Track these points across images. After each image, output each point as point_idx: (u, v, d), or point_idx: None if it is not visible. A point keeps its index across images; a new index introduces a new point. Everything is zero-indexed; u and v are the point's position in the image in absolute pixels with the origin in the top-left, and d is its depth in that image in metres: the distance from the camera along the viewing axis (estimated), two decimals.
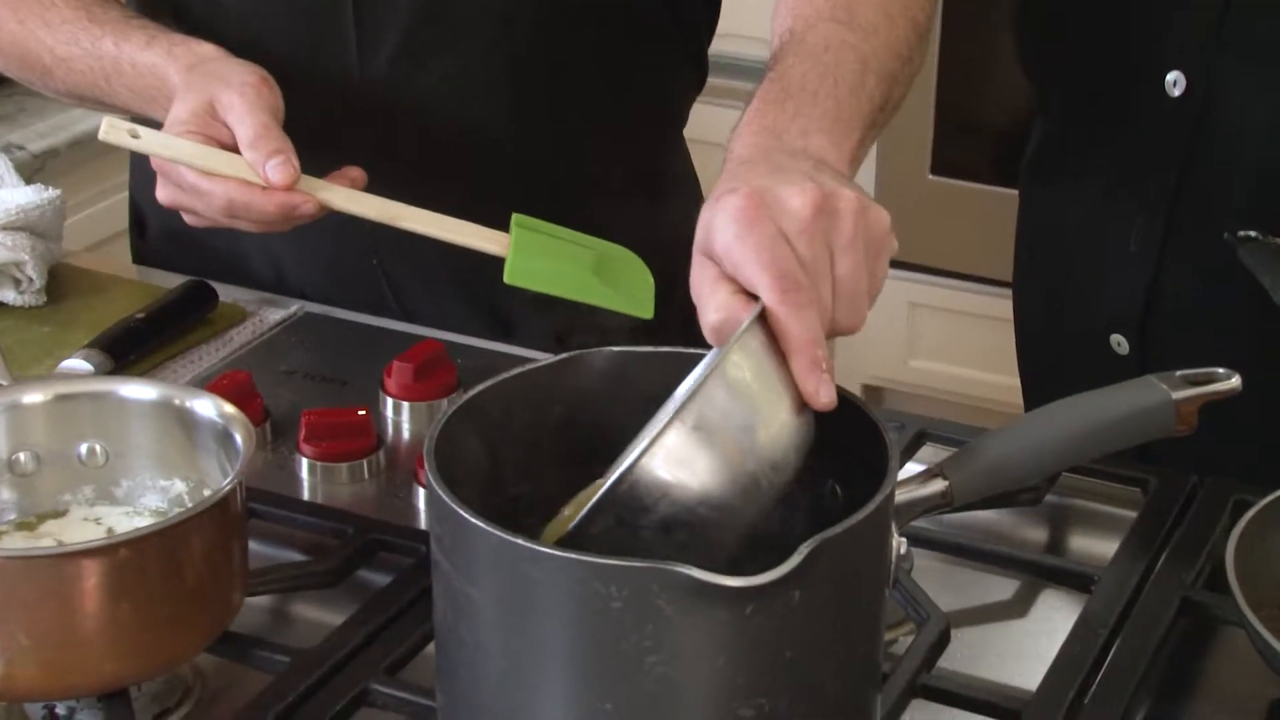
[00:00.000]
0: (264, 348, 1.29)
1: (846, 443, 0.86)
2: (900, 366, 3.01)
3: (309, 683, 0.91)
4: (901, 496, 0.86)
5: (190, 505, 0.99)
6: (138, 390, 1.00)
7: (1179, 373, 0.91)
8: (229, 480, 0.91)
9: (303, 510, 1.07)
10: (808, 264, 0.83)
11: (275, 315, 1.33)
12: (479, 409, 0.86)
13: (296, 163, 1.09)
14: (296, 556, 1.06)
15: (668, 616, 0.74)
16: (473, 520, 0.76)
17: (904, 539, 0.84)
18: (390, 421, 1.20)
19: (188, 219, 1.15)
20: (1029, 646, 1.02)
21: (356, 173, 1.14)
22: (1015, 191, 1.42)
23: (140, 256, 1.46)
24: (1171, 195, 1.23)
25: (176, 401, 0.99)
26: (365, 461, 1.13)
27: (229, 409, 0.97)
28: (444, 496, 0.78)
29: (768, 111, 0.95)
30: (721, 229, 0.84)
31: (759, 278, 0.82)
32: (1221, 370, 0.91)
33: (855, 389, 3.15)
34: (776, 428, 0.81)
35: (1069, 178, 1.33)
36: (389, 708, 0.91)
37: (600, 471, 0.86)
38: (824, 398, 0.81)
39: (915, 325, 2.97)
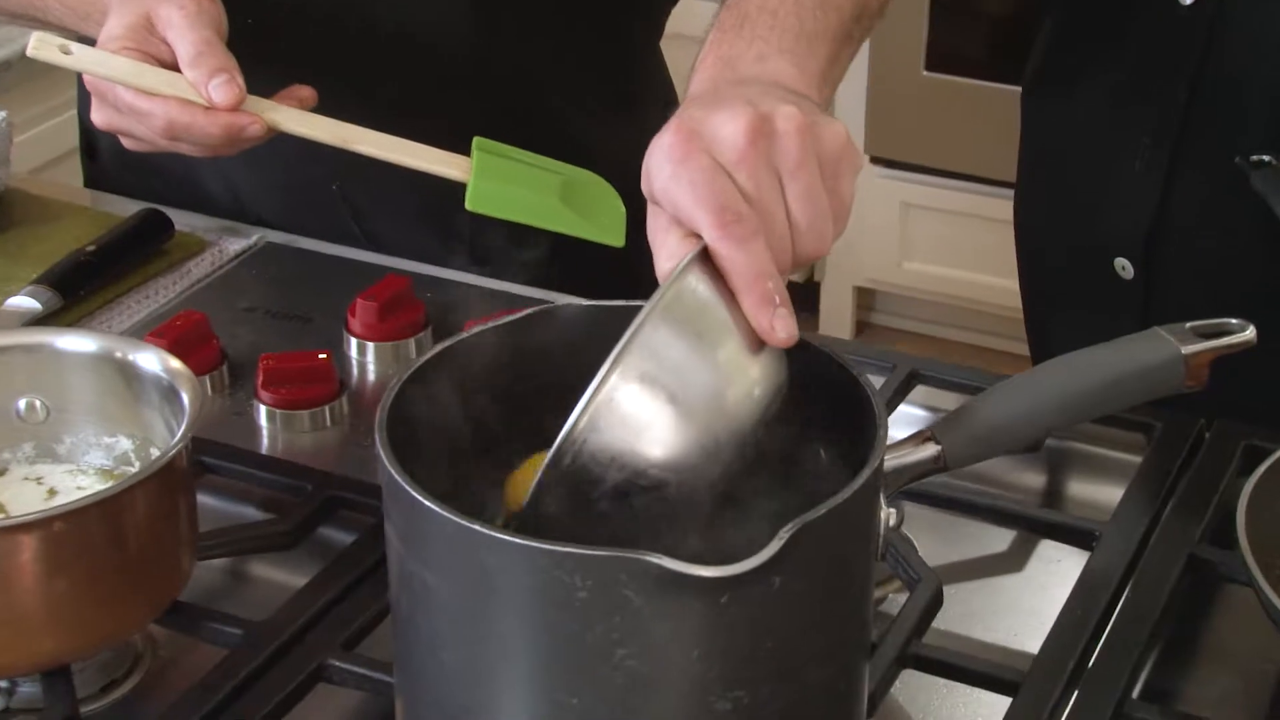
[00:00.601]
0: (222, 282, 1.23)
1: (831, 403, 0.80)
2: (893, 269, 2.95)
3: (261, 659, 0.86)
4: (890, 462, 0.81)
5: (136, 464, 0.94)
6: (76, 342, 0.94)
7: (1188, 325, 0.85)
8: (173, 445, 0.85)
9: (258, 465, 1.01)
10: (751, 193, 0.76)
11: (235, 246, 1.27)
12: (436, 372, 0.80)
13: (241, 82, 1.02)
14: (252, 513, 1.01)
15: (637, 607, 0.69)
16: (427, 504, 0.70)
17: (893, 509, 0.78)
18: (354, 362, 1.14)
19: (126, 143, 1.08)
20: (1026, 602, 0.97)
21: (306, 92, 1.06)
22: (1013, 88, 1.35)
23: (92, 180, 1.39)
24: (1181, 114, 1.16)
25: (118, 354, 0.93)
26: (327, 408, 1.08)
27: (174, 364, 0.91)
28: (396, 475, 0.72)
29: (724, 41, 0.88)
30: (657, 170, 0.78)
31: (695, 214, 0.75)
32: (1234, 321, 0.85)
33: (847, 292, 3.10)
34: (730, 375, 0.75)
35: (1073, 94, 1.26)
36: (348, 684, 0.86)
37: None
38: (780, 333, 0.74)
39: (908, 226, 2.91)
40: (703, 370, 0.74)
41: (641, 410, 0.72)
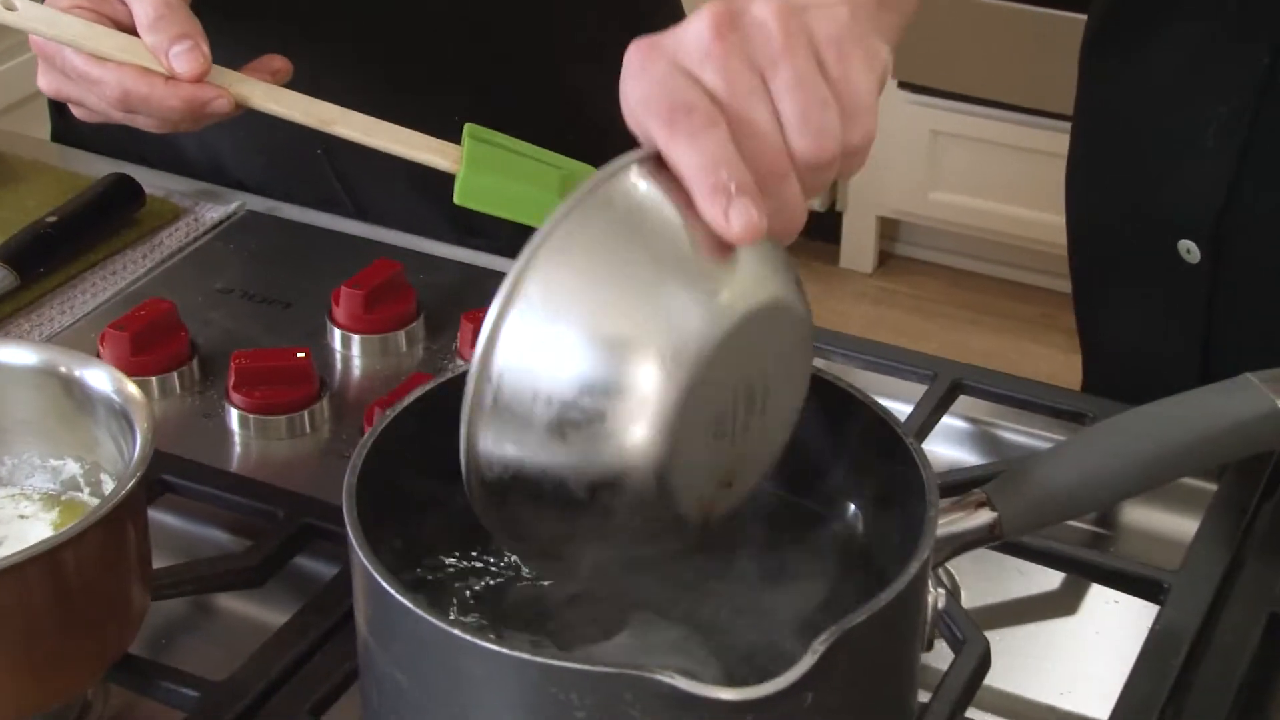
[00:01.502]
0: (196, 257, 1.12)
1: (869, 457, 0.70)
2: (919, 199, 2.83)
3: None
4: (939, 529, 0.70)
5: (85, 489, 0.84)
6: (15, 354, 0.83)
7: None
8: (119, 490, 0.75)
9: (226, 486, 0.90)
10: (721, 92, 0.65)
11: (212, 214, 1.16)
12: (413, 423, 0.69)
13: (207, 50, 0.90)
14: (219, 536, 0.90)
15: None
16: (401, 600, 0.60)
17: (942, 590, 0.68)
18: (338, 355, 1.03)
19: (77, 112, 0.96)
20: (1081, 657, 0.86)
21: (280, 63, 0.94)
22: (1050, 11, 1.22)
23: (60, 135, 1.27)
24: (1262, 80, 1.04)
25: (63, 369, 0.82)
26: (306, 413, 0.97)
27: (129, 388, 0.80)
28: (365, 563, 0.61)
29: None
30: (622, 90, 0.67)
31: (647, 121, 0.65)
32: None
33: (870, 222, 2.99)
34: (672, 285, 0.63)
35: (1139, 54, 1.13)
36: None
37: None
38: (736, 225, 0.63)
39: (936, 155, 2.78)
40: (630, 281, 0.62)
41: (548, 330, 0.62)
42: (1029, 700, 0.85)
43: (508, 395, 0.62)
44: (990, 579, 0.90)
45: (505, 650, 0.58)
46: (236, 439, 0.97)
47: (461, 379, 0.65)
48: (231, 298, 1.07)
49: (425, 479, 0.69)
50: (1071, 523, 0.93)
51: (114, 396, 0.80)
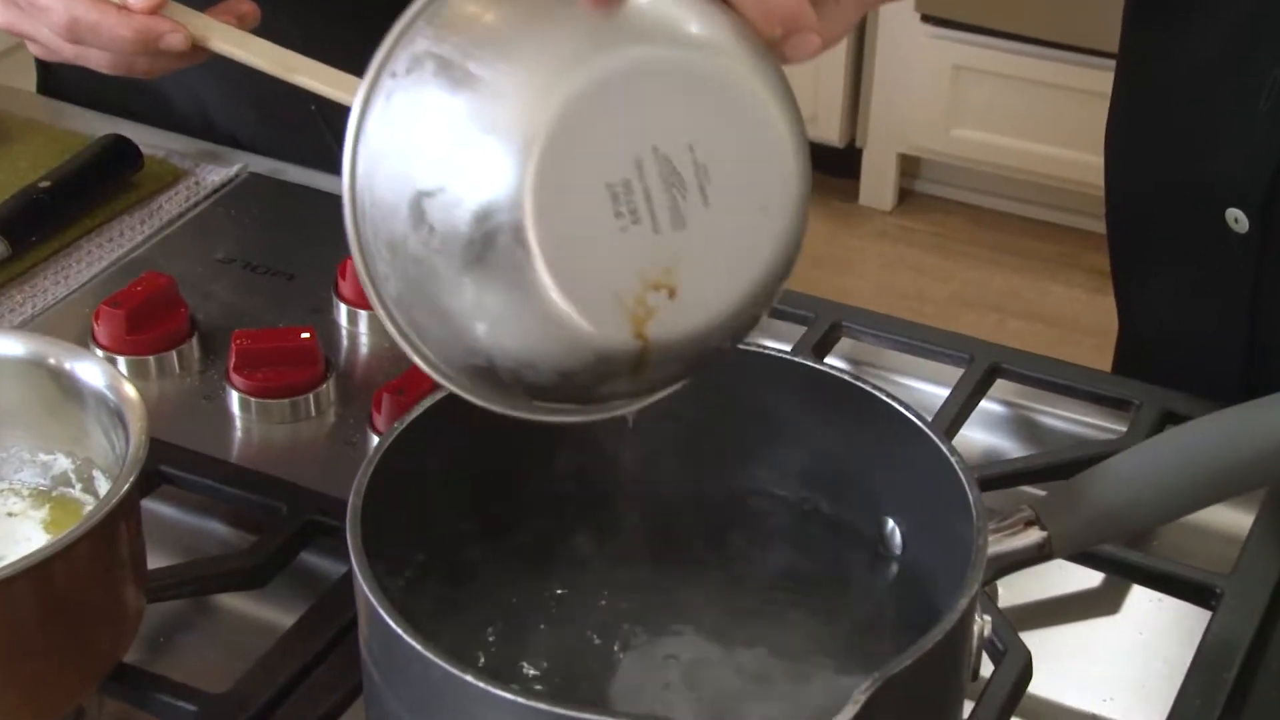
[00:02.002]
0: (196, 225, 1.07)
1: (909, 470, 0.65)
2: (941, 136, 2.77)
3: None
4: (989, 550, 0.65)
5: (77, 485, 0.79)
6: (2, 344, 0.78)
7: None
8: (112, 497, 0.70)
9: (225, 478, 0.86)
10: None
11: (213, 177, 1.10)
12: (416, 439, 0.65)
13: None
14: (218, 529, 0.86)
15: None
16: (412, 643, 0.55)
17: (988, 618, 0.63)
18: (344, 333, 0.98)
19: (32, 49, 0.90)
20: (1126, 662, 0.82)
21: (247, 7, 0.88)
22: None
23: (46, 87, 1.22)
24: None
25: (52, 361, 0.77)
26: (311, 396, 0.92)
27: (122, 385, 0.75)
28: (371, 598, 0.57)
29: None
30: None
31: None
32: None
33: (890, 159, 2.93)
34: (537, 33, 0.55)
35: (1186, 12, 1.08)
36: None
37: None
38: None
39: (958, 90, 2.71)
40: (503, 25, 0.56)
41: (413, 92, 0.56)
42: (1070, 709, 0.81)
43: (378, 188, 0.57)
44: (1028, 575, 0.85)
45: (529, 703, 0.54)
46: (238, 422, 0.92)
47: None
48: (233, 268, 1.02)
49: (439, 487, 0.64)
50: None
51: (106, 392, 0.76)
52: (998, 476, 0.86)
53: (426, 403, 0.65)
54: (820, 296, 0.97)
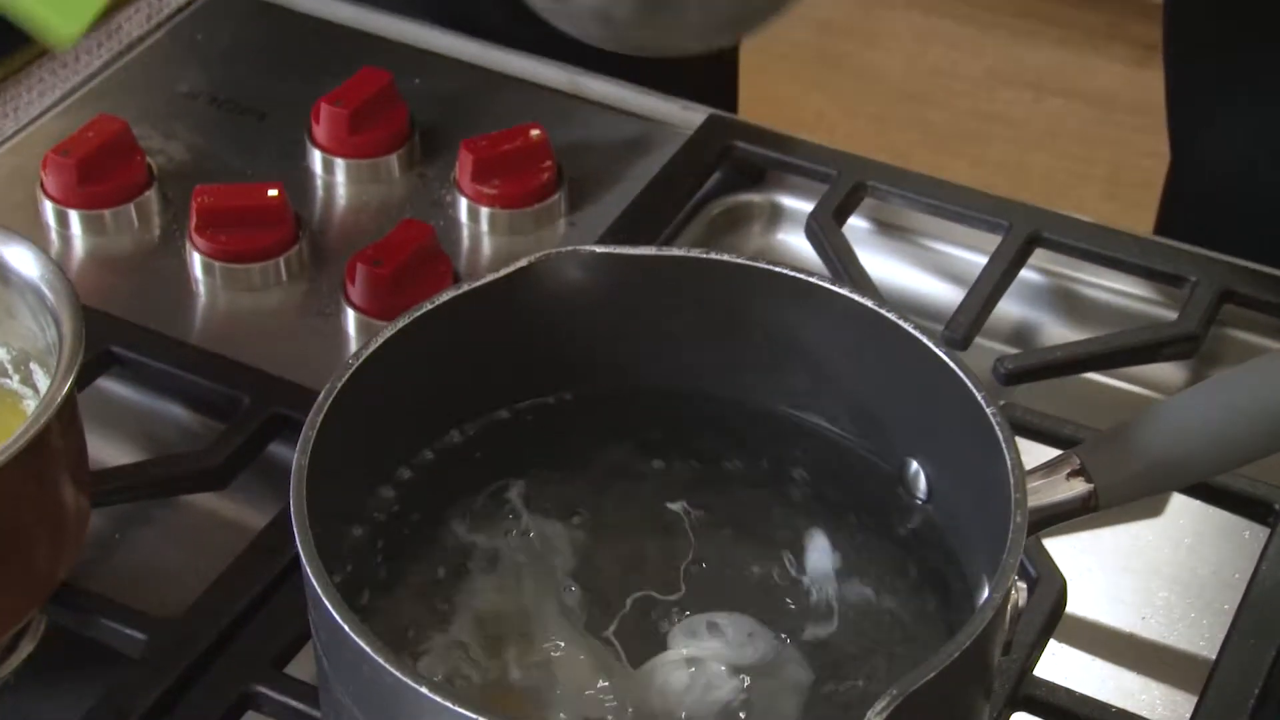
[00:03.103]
0: (160, 51, 0.97)
1: (934, 414, 0.57)
2: None
3: (170, 682, 0.65)
4: (1029, 503, 0.57)
5: (14, 378, 0.71)
6: None
7: None
8: (39, 418, 0.62)
9: (183, 362, 0.77)
10: None
11: None
12: (372, 374, 0.56)
13: None
14: (177, 412, 0.79)
15: None
16: (369, 650, 0.48)
17: (1023, 584, 0.56)
18: (319, 182, 0.89)
19: None
20: (1163, 572, 0.75)
21: None
22: None
23: None
24: None
25: None
26: (281, 260, 0.84)
27: (56, 278, 0.67)
28: (321, 594, 0.49)
29: None
30: None
31: None
32: None
33: None
34: None
35: None
36: (280, 717, 0.65)
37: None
38: None
39: None
40: None
41: None
42: (1105, 628, 0.74)
43: None
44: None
45: (476, 715, 0.47)
46: (200, 287, 0.84)
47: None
48: (197, 105, 0.93)
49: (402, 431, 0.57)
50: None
51: (40, 284, 0.68)
52: (1033, 368, 0.78)
53: (374, 345, 0.57)
54: (843, 150, 0.87)
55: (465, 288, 0.58)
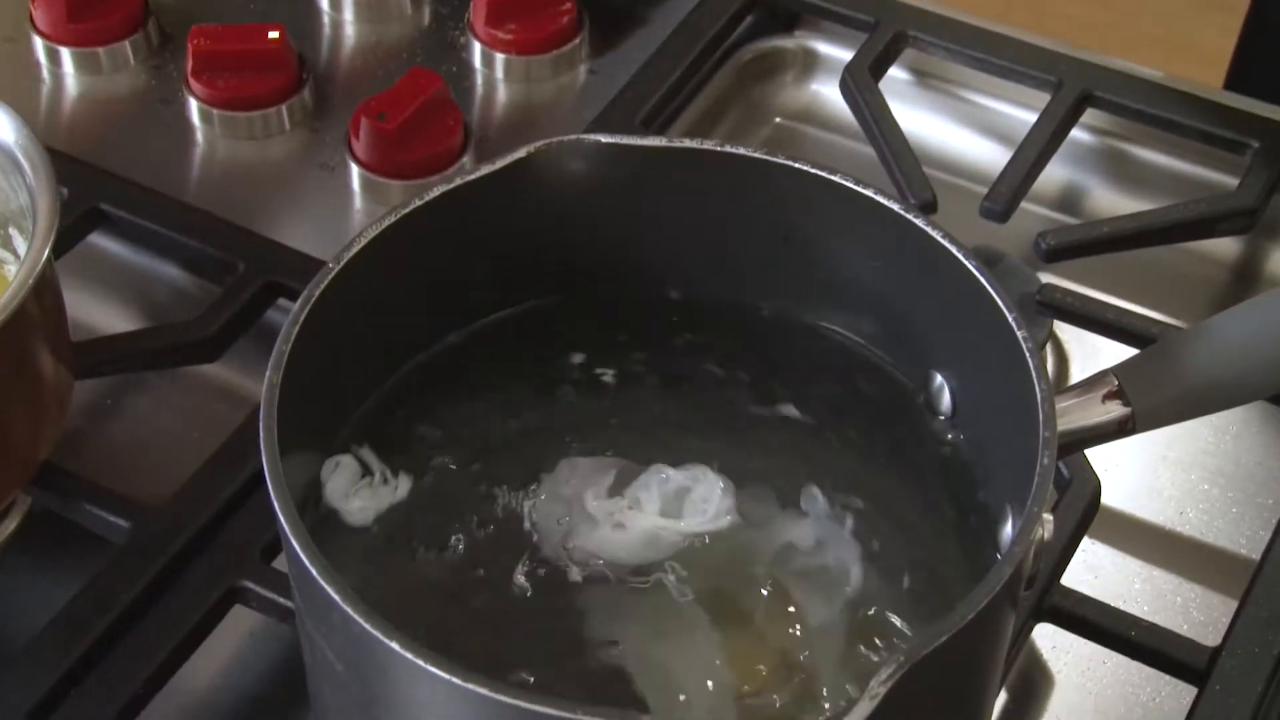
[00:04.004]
0: None
1: (961, 328, 0.53)
2: None
3: (154, 574, 0.62)
4: (1060, 426, 0.52)
5: None
6: None
7: None
8: (10, 300, 0.59)
9: (174, 222, 0.73)
10: None
11: None
12: (352, 280, 0.52)
13: None
14: (169, 270, 0.75)
15: None
16: (365, 625, 0.44)
17: (1049, 516, 0.51)
18: (326, 18, 0.84)
19: None
20: (1205, 462, 0.71)
21: None
22: None
23: None
24: None
25: None
26: (284, 107, 0.79)
27: (31, 145, 0.63)
28: (300, 553, 0.46)
29: None
30: None
31: None
32: None
33: None
34: None
35: None
36: (268, 613, 0.63)
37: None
38: None
39: None
40: None
41: None
42: (1140, 521, 0.70)
43: None
44: (1096, 349, 0.73)
45: (475, 688, 0.43)
46: (198, 135, 0.79)
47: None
48: None
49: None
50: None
51: (15, 150, 0.63)
52: (1077, 244, 0.73)
53: (358, 245, 0.52)
54: None
55: (457, 182, 0.53)
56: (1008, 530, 0.53)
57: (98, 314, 0.73)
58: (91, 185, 0.73)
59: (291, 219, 0.75)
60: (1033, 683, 0.65)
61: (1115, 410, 0.54)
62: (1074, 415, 0.53)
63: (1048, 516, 0.52)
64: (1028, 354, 0.50)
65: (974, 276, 0.52)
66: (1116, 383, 0.54)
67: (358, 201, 0.77)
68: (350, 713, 0.49)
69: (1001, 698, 0.64)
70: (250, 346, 0.71)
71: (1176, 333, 0.55)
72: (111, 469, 0.66)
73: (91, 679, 0.59)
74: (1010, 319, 0.50)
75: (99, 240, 0.75)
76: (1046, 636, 0.65)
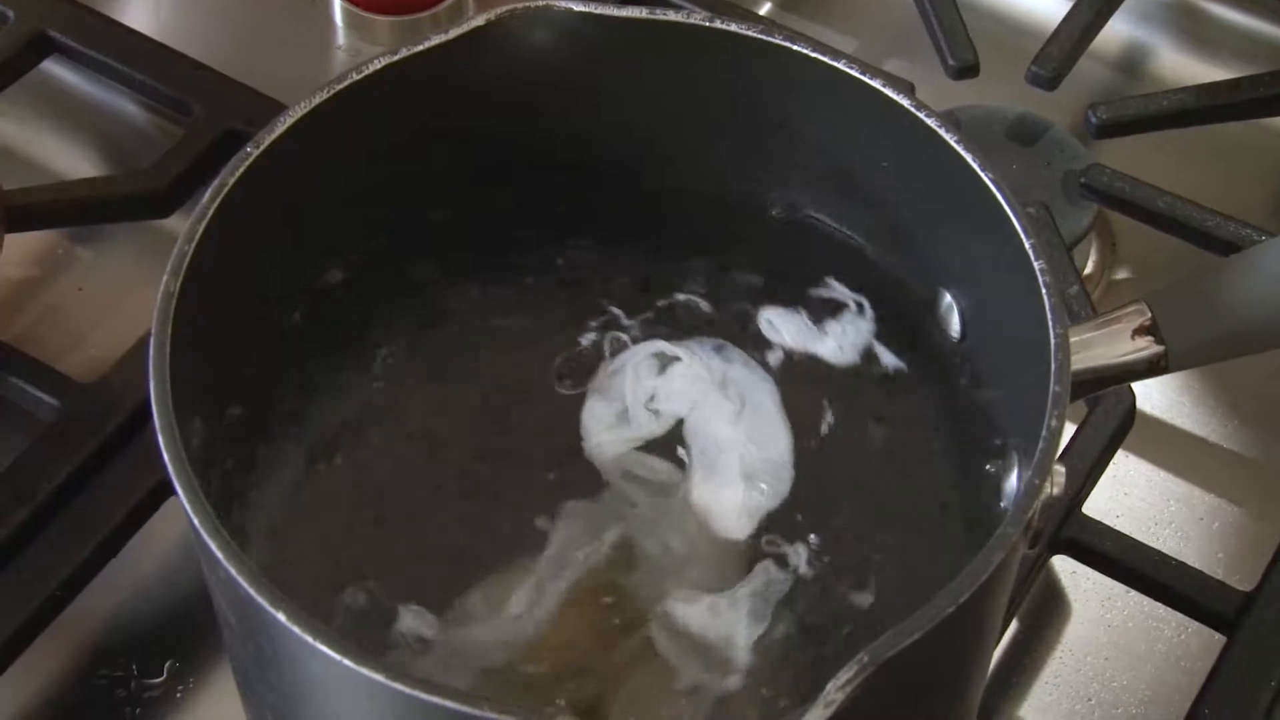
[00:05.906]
0: None
1: (975, 249, 0.46)
2: None
3: (81, 458, 0.57)
4: (1082, 363, 0.46)
5: None
6: None
7: None
8: None
9: (130, 57, 0.66)
10: None
11: None
12: (278, 168, 0.46)
13: None
14: (129, 108, 0.68)
15: None
16: (279, 618, 0.38)
17: (1061, 469, 0.45)
18: None
19: None
20: (1249, 371, 0.64)
21: None
22: None
23: None
24: None
25: None
26: None
27: None
28: (209, 541, 0.40)
29: None
30: None
31: None
32: None
33: None
34: None
35: None
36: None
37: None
38: None
39: None
40: None
41: None
42: (1175, 430, 0.63)
43: None
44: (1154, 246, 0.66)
45: (430, 698, 0.37)
46: None
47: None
48: None
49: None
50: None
51: None
52: (1131, 120, 0.65)
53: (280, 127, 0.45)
54: None
55: (403, 53, 0.46)
56: (1013, 480, 0.46)
57: (58, 157, 0.67)
58: (38, 9, 0.66)
59: (263, 56, 0.68)
60: (1047, 612, 0.59)
61: (1147, 347, 0.46)
62: (1098, 350, 0.46)
63: (1059, 468, 0.45)
64: (1044, 291, 0.42)
65: (990, 192, 0.44)
66: (1150, 315, 0.46)
67: (340, 38, 0.70)
68: (248, 670, 0.43)
69: (1012, 628, 0.58)
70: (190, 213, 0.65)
71: (1219, 270, 0.47)
72: (40, 340, 0.60)
73: (4, 575, 0.54)
74: (1028, 246, 0.43)
75: (57, 73, 0.68)
76: (1065, 560, 0.59)
